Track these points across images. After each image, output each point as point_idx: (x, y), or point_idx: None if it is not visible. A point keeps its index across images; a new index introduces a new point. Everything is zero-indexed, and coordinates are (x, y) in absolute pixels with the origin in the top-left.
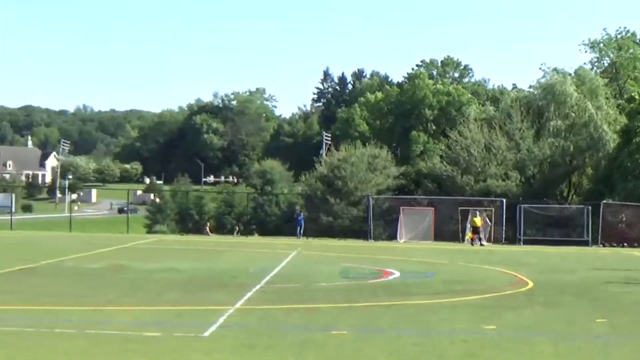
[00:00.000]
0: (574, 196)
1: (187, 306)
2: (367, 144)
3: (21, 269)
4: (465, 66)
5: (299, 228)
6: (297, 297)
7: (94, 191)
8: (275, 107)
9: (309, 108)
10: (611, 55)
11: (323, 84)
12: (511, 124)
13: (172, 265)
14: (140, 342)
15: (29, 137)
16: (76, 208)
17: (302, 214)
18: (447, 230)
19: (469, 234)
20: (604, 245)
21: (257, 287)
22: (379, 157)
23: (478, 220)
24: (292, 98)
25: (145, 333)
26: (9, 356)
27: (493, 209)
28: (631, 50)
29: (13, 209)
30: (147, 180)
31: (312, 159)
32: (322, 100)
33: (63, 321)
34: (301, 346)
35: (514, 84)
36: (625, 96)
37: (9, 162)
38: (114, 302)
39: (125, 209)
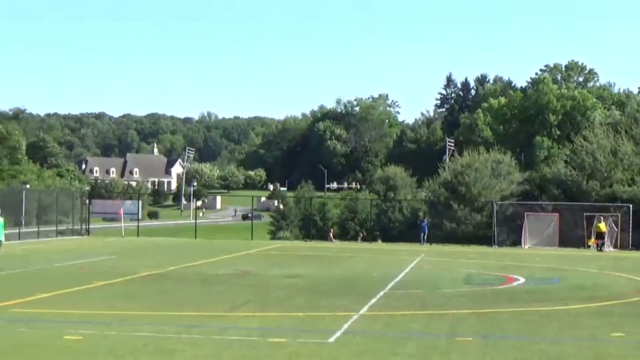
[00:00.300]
0: None
1: (312, 312)
2: (490, 149)
3: (147, 275)
4: (590, 70)
5: (422, 234)
6: (421, 303)
7: (218, 198)
8: (398, 113)
9: (432, 114)
10: None
11: (446, 90)
12: (638, 129)
13: (296, 271)
14: (265, 347)
15: (155, 145)
16: (201, 214)
17: (425, 220)
18: (573, 236)
19: (591, 240)
20: None
21: (382, 293)
22: (503, 162)
23: (603, 226)
24: (415, 104)
25: (271, 339)
26: None
27: (619, 215)
28: None
29: (139, 216)
30: (271, 187)
31: (435, 165)
32: (445, 105)
33: (188, 327)
34: (425, 352)
35: None
36: None
37: (136, 170)
38: (239, 308)
39: (250, 215)
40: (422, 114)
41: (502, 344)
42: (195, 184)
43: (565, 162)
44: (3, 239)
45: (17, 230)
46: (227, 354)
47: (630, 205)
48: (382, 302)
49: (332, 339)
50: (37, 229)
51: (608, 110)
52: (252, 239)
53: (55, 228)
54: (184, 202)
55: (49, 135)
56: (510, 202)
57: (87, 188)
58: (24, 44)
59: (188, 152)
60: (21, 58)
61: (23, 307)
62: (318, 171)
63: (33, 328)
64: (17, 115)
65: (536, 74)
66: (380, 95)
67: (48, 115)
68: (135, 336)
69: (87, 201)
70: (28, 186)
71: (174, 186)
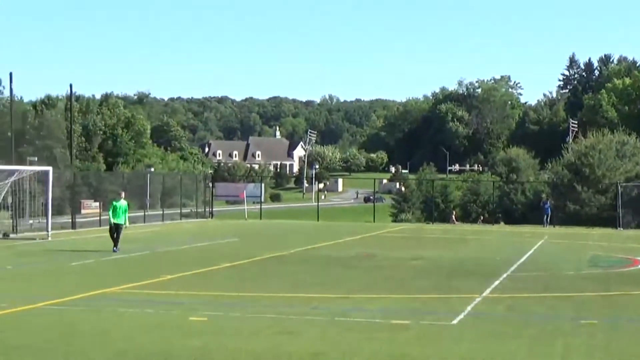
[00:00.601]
0: None
1: (435, 294)
2: (615, 130)
3: (271, 257)
4: None
5: (545, 216)
6: (544, 285)
7: (340, 180)
8: (521, 94)
9: (554, 95)
10: None
11: (569, 71)
12: None
13: (418, 253)
14: (388, 330)
15: (277, 128)
16: (323, 197)
17: (548, 202)
18: None
19: None
20: None
21: (504, 275)
22: (628, 143)
23: None
24: (537, 85)
25: (393, 321)
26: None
27: None
28: None
29: (262, 199)
30: (393, 169)
31: (558, 147)
32: (568, 86)
33: (312, 308)
34: (550, 335)
35: None
36: None
37: (258, 153)
38: (362, 290)
39: (371, 197)
40: (544, 95)
41: (628, 327)
42: (317, 166)
43: None
44: (127, 223)
45: (142, 214)
46: (350, 335)
47: None
48: (505, 285)
49: (455, 321)
50: (161, 212)
51: None
52: (374, 221)
53: (179, 211)
54: (305, 184)
55: (173, 119)
56: (636, 183)
57: (210, 171)
58: (149, 31)
59: (310, 135)
60: (146, 44)
61: (149, 288)
62: (440, 153)
63: (159, 309)
64: (142, 100)
65: None
66: (502, 76)
67: (172, 99)
68: (260, 317)
69: (211, 184)
70: (153, 169)
71: (295, 169)
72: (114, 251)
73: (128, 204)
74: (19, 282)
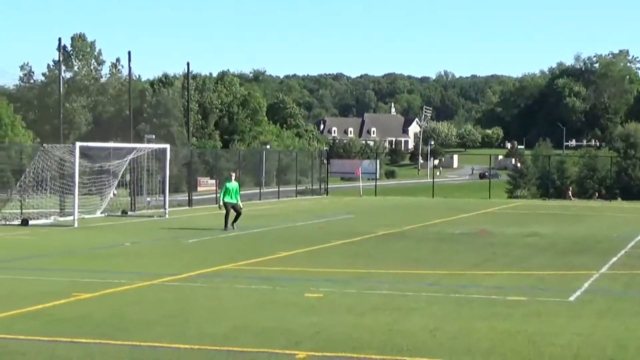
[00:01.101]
0: None
1: (551, 271)
2: None
3: (385, 234)
4: None
5: None
6: None
7: (455, 156)
8: (639, 69)
9: None
10: None
11: None
12: None
13: (534, 230)
14: (504, 305)
15: (392, 105)
16: (438, 173)
17: None
18: None
19: None
20: None
21: (622, 252)
22: None
23: None
24: None
25: (510, 297)
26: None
27: None
28: None
29: (377, 175)
30: (508, 145)
31: None
32: None
33: (427, 285)
34: None
35: None
36: None
37: (373, 129)
38: (478, 266)
39: (487, 174)
40: None
41: None
42: (432, 142)
43: None
44: (240, 203)
45: (258, 191)
46: (465, 311)
47: None
48: (623, 261)
49: (572, 298)
50: (277, 189)
51: None
52: (489, 197)
53: (294, 188)
54: (420, 161)
55: (288, 97)
56: None
57: (326, 148)
58: (264, 8)
59: (425, 111)
60: (260, 21)
61: (265, 265)
62: (556, 129)
63: (275, 286)
64: (258, 77)
65: None
66: (620, 51)
67: (287, 76)
68: (375, 294)
69: (326, 161)
70: (268, 147)
71: (411, 145)
72: (224, 230)
73: (239, 184)
74: (138, 258)
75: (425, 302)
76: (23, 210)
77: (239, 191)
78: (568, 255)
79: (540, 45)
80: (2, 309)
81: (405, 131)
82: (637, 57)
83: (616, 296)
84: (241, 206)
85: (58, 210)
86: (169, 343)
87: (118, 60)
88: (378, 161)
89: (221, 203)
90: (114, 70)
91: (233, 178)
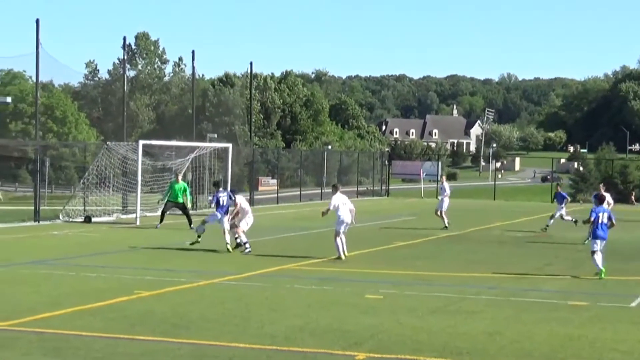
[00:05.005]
0: None
1: (613, 276)
2: None
3: (447, 236)
4: None
5: None
6: None
7: (517, 159)
8: None
9: None
10: None
11: None
12: None
13: None
14: (565, 310)
15: (454, 106)
16: (499, 176)
17: None
18: None
19: None
20: None
21: None
22: None
23: None
24: None
25: (571, 302)
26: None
27: None
28: None
29: (439, 177)
30: (571, 149)
31: None
32: None
33: (488, 288)
34: None
35: None
36: None
37: (435, 131)
38: (539, 270)
39: (549, 177)
40: None
41: None
42: (494, 145)
43: None
44: (189, 203)
45: (320, 191)
46: (526, 315)
47: None
48: None
49: (634, 304)
50: None
51: None
52: (551, 201)
53: (355, 188)
54: (482, 163)
55: (351, 97)
56: None
57: (387, 149)
58: (327, 9)
59: (487, 114)
60: (323, 22)
61: (326, 265)
62: (620, 132)
63: (335, 286)
64: (320, 78)
65: None
66: None
67: (349, 77)
68: (435, 296)
69: (387, 162)
70: (330, 147)
71: (472, 147)
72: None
73: (187, 184)
74: (198, 257)
75: (485, 306)
76: (86, 208)
77: (188, 190)
78: (630, 261)
79: (603, 48)
80: (65, 305)
81: (467, 133)
82: None
83: None
84: (189, 206)
85: (120, 208)
86: (229, 342)
87: (181, 59)
88: (440, 163)
89: (170, 200)
90: (177, 69)
91: (179, 179)
